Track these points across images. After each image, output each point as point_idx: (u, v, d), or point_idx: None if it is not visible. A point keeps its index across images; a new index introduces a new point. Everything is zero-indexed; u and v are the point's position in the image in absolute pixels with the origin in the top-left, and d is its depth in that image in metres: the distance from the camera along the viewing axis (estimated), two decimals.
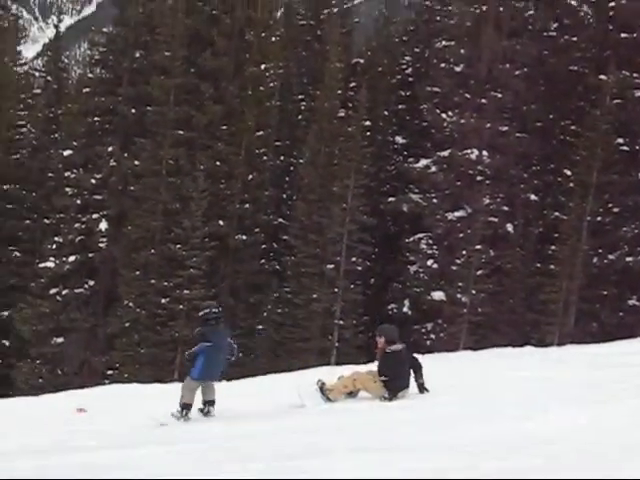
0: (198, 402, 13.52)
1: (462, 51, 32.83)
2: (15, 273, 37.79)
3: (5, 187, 37.87)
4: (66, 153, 36.17)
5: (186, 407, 13.13)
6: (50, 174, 38.30)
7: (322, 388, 13.72)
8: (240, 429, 11.65)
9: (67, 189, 35.42)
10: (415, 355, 13.91)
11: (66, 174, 35.71)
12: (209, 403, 13.38)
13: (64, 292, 34.50)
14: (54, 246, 34.84)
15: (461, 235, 31.78)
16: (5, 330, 36.66)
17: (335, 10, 40.50)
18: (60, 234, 34.87)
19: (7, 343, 36.80)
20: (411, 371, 13.42)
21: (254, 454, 8.41)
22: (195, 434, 11.68)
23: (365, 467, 6.94)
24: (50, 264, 34.66)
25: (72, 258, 34.53)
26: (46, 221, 37.33)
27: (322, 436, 9.97)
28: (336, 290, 32.40)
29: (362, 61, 39.74)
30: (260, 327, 34.10)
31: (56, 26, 46.48)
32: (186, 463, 8.28)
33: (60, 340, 34.34)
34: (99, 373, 34.29)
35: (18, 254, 38.17)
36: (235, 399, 16.91)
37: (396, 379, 13.18)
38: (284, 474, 6.97)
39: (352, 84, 37.27)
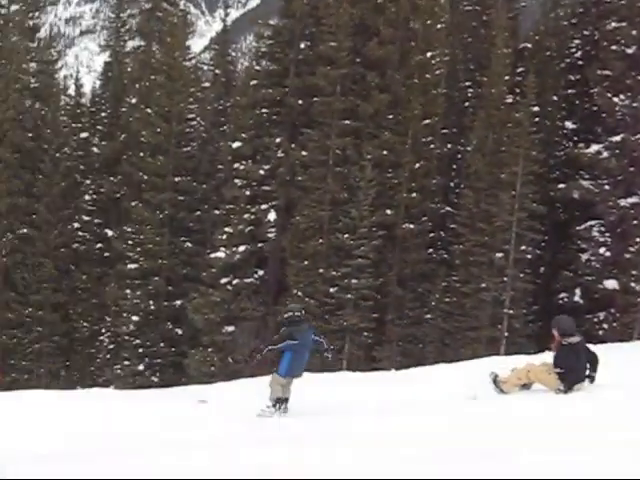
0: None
1: (634, 32, 32.03)
2: (187, 263, 39.71)
3: (176, 179, 39.77)
4: (235, 145, 37.61)
5: (279, 401, 14.07)
6: (220, 166, 40.03)
7: (495, 380, 13.88)
8: (415, 421, 11.77)
9: (236, 180, 36.91)
10: (591, 348, 13.76)
11: (235, 166, 37.17)
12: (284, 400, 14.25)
13: (235, 282, 35.98)
14: (224, 236, 36.37)
15: (635, 222, 31.19)
16: (178, 319, 38.59)
17: None
18: (230, 225, 36.39)
19: (180, 331, 38.63)
20: (587, 364, 13.31)
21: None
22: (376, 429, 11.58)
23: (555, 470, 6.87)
24: (221, 254, 36.27)
25: (242, 248, 35.98)
26: (216, 212, 39.08)
27: (501, 433, 9.93)
28: (505, 279, 32.43)
29: (529, 45, 39.27)
30: (428, 316, 34.50)
31: (223, 20, 48.65)
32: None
33: (231, 329, 35.78)
34: (268, 362, 35.71)
35: (190, 245, 40.03)
36: (406, 387, 17.51)
37: (572, 372, 13.14)
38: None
39: (519, 69, 36.92)
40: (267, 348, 14.34)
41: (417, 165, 34.82)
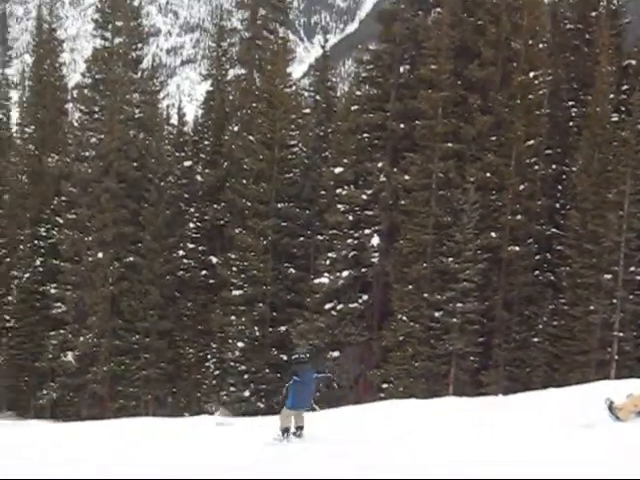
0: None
1: None
2: (291, 289, 41.13)
3: (279, 205, 41.38)
4: (337, 170, 39.00)
5: (286, 431, 16.57)
6: (322, 191, 41.48)
7: (611, 407, 13.89)
8: (528, 454, 11.66)
9: (339, 206, 38.26)
10: None
11: (338, 191, 38.49)
12: (299, 428, 16.72)
13: (339, 307, 37.21)
14: (328, 262, 37.73)
15: None
16: (283, 344, 39.90)
17: (603, 11, 40.59)
18: (333, 250, 37.78)
19: (285, 357, 39.90)
20: None
21: None
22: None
23: None
24: (324, 280, 37.61)
25: (345, 273, 37.24)
26: (319, 237, 40.49)
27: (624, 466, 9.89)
28: (614, 301, 32.69)
29: (634, 62, 39.54)
30: (535, 340, 35.00)
31: (322, 46, 50.36)
32: None
33: (336, 354, 37.09)
34: (374, 387, 36.84)
35: (293, 270, 41.48)
36: (514, 412, 17.72)
37: None
38: None
39: (624, 87, 37.18)
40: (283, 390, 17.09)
41: (521, 187, 35.30)
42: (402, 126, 37.29)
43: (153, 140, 47.92)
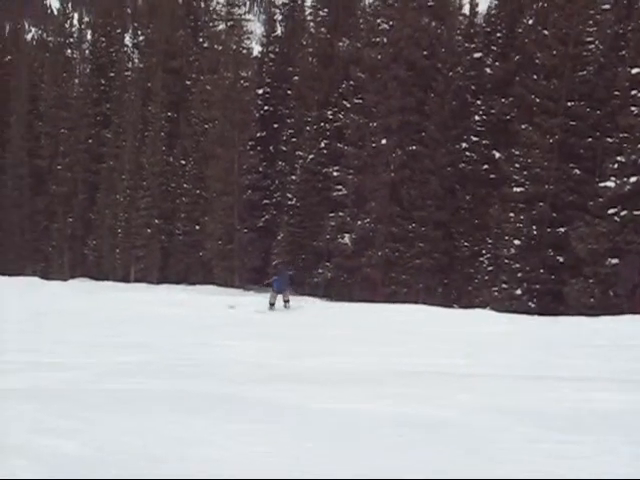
0: None
1: None
2: (574, 190, 41.23)
3: (569, 104, 41.58)
4: (634, 71, 38.48)
5: (272, 305, 31.36)
6: (616, 92, 41.34)
7: None
8: None
9: (633, 108, 38.08)
10: None
11: (633, 92, 38.09)
12: (286, 302, 31.60)
13: (622, 213, 37.27)
14: (616, 166, 37.82)
15: None
16: (560, 246, 40.42)
17: None
18: (623, 154, 37.80)
19: (561, 259, 40.71)
20: None
21: None
22: None
23: None
24: (610, 184, 37.71)
25: (634, 179, 37.08)
26: (609, 140, 40.57)
27: None
28: None
29: None
30: None
31: None
32: None
33: (614, 261, 37.52)
34: None
35: (578, 172, 41.68)
36: None
37: None
38: None
39: None
40: (265, 282, 35.58)
41: None
42: None
43: (445, 29, 49.34)
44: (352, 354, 16.28)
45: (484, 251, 44.95)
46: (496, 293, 41.80)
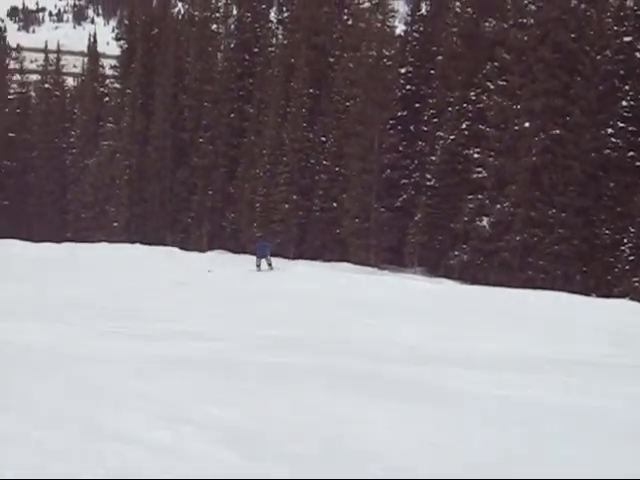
0: None
1: None
2: None
3: None
4: None
5: (258, 266, 44.65)
6: None
7: None
8: None
9: None
10: None
11: None
12: (269, 265, 44.78)
13: None
14: None
15: None
16: None
17: None
18: None
19: None
20: None
21: None
22: None
23: None
24: None
25: None
26: None
27: None
28: None
29: None
30: None
31: None
32: None
33: None
34: None
35: None
36: None
37: None
38: None
39: None
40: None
41: None
42: None
43: (594, 11, 49.09)
44: (496, 340, 17.14)
45: (626, 240, 44.61)
46: (637, 284, 41.75)
